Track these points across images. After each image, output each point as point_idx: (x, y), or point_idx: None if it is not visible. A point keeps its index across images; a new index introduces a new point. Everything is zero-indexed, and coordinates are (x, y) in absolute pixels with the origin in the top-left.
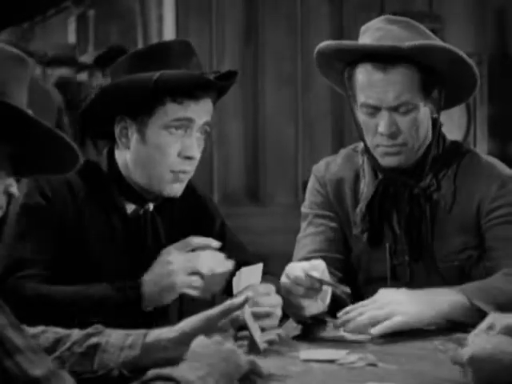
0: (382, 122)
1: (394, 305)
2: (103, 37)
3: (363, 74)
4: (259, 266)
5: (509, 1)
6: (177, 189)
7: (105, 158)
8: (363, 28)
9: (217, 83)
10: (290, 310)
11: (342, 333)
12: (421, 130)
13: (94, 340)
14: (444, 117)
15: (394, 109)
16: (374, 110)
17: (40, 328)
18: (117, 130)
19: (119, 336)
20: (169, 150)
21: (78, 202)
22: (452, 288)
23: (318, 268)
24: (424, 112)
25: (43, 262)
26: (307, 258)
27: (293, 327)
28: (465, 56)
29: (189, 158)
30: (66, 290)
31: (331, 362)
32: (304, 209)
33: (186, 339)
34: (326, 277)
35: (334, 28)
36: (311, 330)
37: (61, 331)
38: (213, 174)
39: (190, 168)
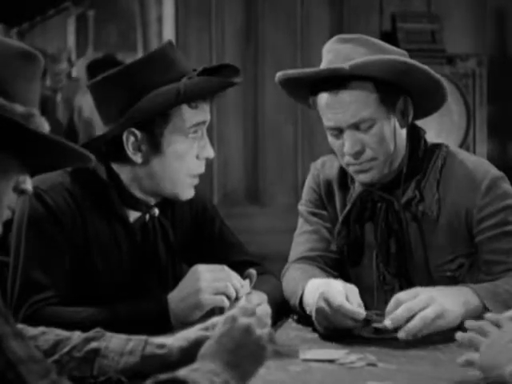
0: (346, 143)
1: (439, 300)
2: (103, 37)
3: (320, 99)
4: (247, 282)
5: (508, 1)
6: (192, 192)
7: (101, 165)
8: (322, 51)
9: (236, 82)
10: (323, 326)
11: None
12: (387, 143)
13: (93, 345)
14: (444, 118)
15: (355, 127)
16: (339, 132)
17: (40, 329)
18: (127, 146)
19: (119, 341)
20: (187, 155)
21: (81, 212)
22: (464, 287)
23: (354, 292)
24: (389, 124)
25: (57, 282)
26: (303, 257)
27: (292, 327)
28: (416, 64)
29: (207, 158)
30: (89, 311)
31: (331, 361)
32: (300, 206)
33: (187, 348)
34: (359, 300)
35: (333, 28)
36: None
37: (61, 333)
38: (213, 175)
39: (204, 169)
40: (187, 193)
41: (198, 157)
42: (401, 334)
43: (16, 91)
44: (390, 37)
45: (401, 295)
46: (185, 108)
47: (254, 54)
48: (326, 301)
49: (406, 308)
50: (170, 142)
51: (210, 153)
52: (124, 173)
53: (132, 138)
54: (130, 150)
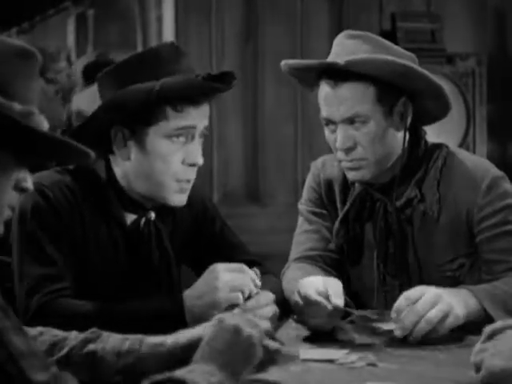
0: (338, 137)
1: (446, 300)
2: (102, 37)
3: (320, 90)
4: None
5: (508, 0)
6: (183, 198)
7: (102, 164)
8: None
9: (220, 88)
10: (303, 321)
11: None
12: (379, 144)
13: (91, 347)
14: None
15: (349, 122)
16: (334, 126)
17: (38, 329)
18: (114, 141)
19: (116, 341)
20: (172, 159)
21: (81, 210)
22: (463, 288)
23: (333, 286)
24: (384, 126)
25: (67, 273)
26: (303, 256)
27: (293, 327)
28: (415, 68)
29: (193, 165)
30: (104, 305)
31: (331, 361)
32: (300, 205)
33: (179, 352)
34: (341, 296)
35: (333, 28)
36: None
37: (59, 333)
38: (213, 174)
39: (194, 175)
40: (175, 198)
41: (183, 162)
42: (410, 339)
43: (15, 90)
44: (389, 36)
45: (410, 293)
46: (169, 110)
47: (254, 53)
48: (299, 294)
49: (413, 312)
50: (153, 143)
51: (196, 159)
52: (117, 167)
53: (119, 134)
54: (115, 146)
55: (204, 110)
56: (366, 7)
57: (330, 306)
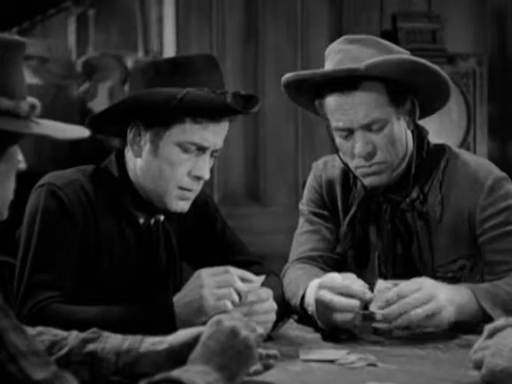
0: (357, 144)
1: (439, 297)
2: (103, 37)
3: (330, 99)
4: (260, 279)
5: (508, 1)
6: (182, 206)
7: (114, 162)
8: (326, 51)
9: (240, 111)
10: (324, 320)
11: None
12: (398, 144)
13: (90, 347)
14: (444, 117)
15: (367, 128)
16: (348, 133)
17: (38, 329)
18: (129, 136)
19: (116, 341)
20: (179, 167)
21: (94, 210)
22: (463, 287)
23: (354, 277)
24: (398, 125)
25: (64, 281)
26: (304, 257)
27: (293, 327)
28: (428, 64)
29: (199, 178)
30: (95, 311)
31: (331, 361)
32: (301, 206)
33: (173, 354)
34: (362, 283)
35: (333, 28)
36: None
37: (58, 333)
38: (213, 175)
39: (198, 187)
40: (175, 204)
41: (189, 173)
42: (391, 327)
43: (13, 88)
44: (390, 37)
45: (404, 289)
46: (188, 121)
47: (255, 53)
48: (326, 287)
49: (402, 304)
50: (166, 148)
51: (203, 173)
52: (130, 162)
53: (136, 130)
54: (130, 140)
55: (223, 126)
56: (366, 7)
57: (368, 297)
